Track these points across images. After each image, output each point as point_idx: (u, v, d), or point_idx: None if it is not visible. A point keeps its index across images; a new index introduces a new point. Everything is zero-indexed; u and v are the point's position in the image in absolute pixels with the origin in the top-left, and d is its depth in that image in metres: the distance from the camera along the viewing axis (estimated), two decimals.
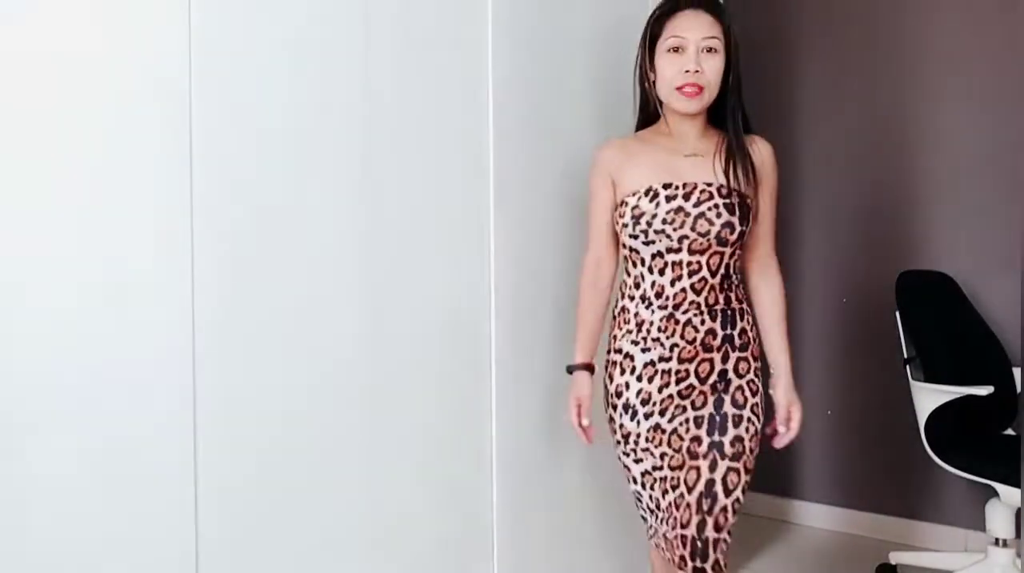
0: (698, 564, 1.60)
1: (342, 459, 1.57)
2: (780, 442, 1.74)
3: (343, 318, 1.57)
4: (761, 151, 1.71)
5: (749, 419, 1.64)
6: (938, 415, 2.40)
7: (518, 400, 1.94)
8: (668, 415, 1.65)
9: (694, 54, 1.63)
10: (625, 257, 1.73)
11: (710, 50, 1.64)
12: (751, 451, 1.64)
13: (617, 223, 1.70)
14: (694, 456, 1.62)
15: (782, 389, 1.74)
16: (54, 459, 1.19)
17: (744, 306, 1.72)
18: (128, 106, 1.26)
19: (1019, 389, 2.64)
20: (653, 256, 1.65)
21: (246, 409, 1.41)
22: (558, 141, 2.05)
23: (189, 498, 1.33)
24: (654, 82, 1.69)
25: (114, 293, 1.24)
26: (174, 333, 1.31)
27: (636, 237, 1.65)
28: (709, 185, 1.63)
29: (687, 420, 1.64)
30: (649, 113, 1.77)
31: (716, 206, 1.62)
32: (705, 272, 1.63)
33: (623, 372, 1.69)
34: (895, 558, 2.71)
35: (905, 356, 2.55)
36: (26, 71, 1.16)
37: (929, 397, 2.42)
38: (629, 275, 1.72)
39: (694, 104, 1.65)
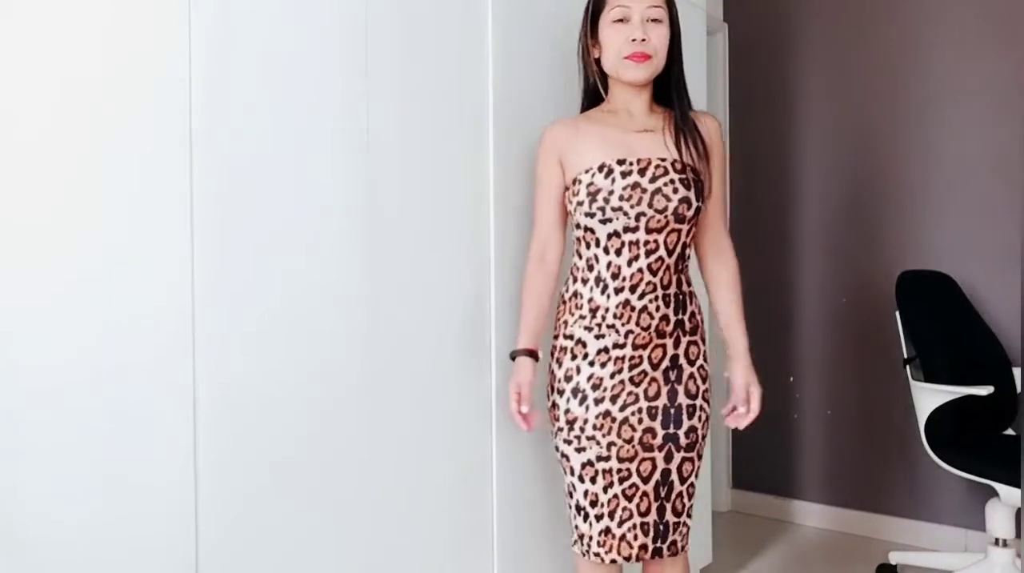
0: (657, 544, 1.64)
1: (342, 459, 1.57)
2: (740, 423, 1.70)
3: (343, 318, 1.57)
4: (708, 126, 1.70)
5: (701, 407, 1.66)
6: (938, 415, 2.41)
7: None
8: (619, 403, 1.62)
9: (639, 23, 1.61)
10: (577, 238, 1.68)
11: (654, 20, 1.62)
12: (703, 437, 1.67)
13: (570, 203, 1.66)
14: (648, 448, 1.62)
15: (740, 370, 1.70)
16: (53, 460, 1.19)
17: (692, 289, 1.69)
18: (128, 105, 1.26)
19: (1019, 389, 2.64)
20: (609, 236, 1.62)
21: (246, 410, 1.41)
22: None
23: (189, 499, 1.33)
24: (598, 58, 1.68)
25: (114, 293, 1.24)
26: (174, 333, 1.31)
27: (592, 215, 1.61)
28: (663, 160, 1.62)
29: (639, 410, 1.62)
30: (593, 93, 1.75)
31: (672, 181, 1.60)
32: (662, 251, 1.62)
33: (574, 357, 1.65)
34: (895, 558, 2.71)
35: (905, 356, 2.55)
36: (25, 72, 1.16)
37: (929, 397, 2.42)
38: (581, 258, 1.67)
39: (642, 71, 1.62)
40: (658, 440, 1.62)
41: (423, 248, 1.72)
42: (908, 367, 2.52)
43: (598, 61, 1.68)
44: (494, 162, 1.87)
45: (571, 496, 1.66)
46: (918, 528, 2.97)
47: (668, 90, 1.68)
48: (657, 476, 1.63)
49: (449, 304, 1.77)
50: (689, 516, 1.68)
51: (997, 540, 2.42)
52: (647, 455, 1.62)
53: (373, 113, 1.61)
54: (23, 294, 1.15)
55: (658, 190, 1.59)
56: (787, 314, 3.23)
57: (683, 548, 1.68)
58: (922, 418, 2.45)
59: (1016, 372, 2.64)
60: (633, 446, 1.61)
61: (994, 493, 2.38)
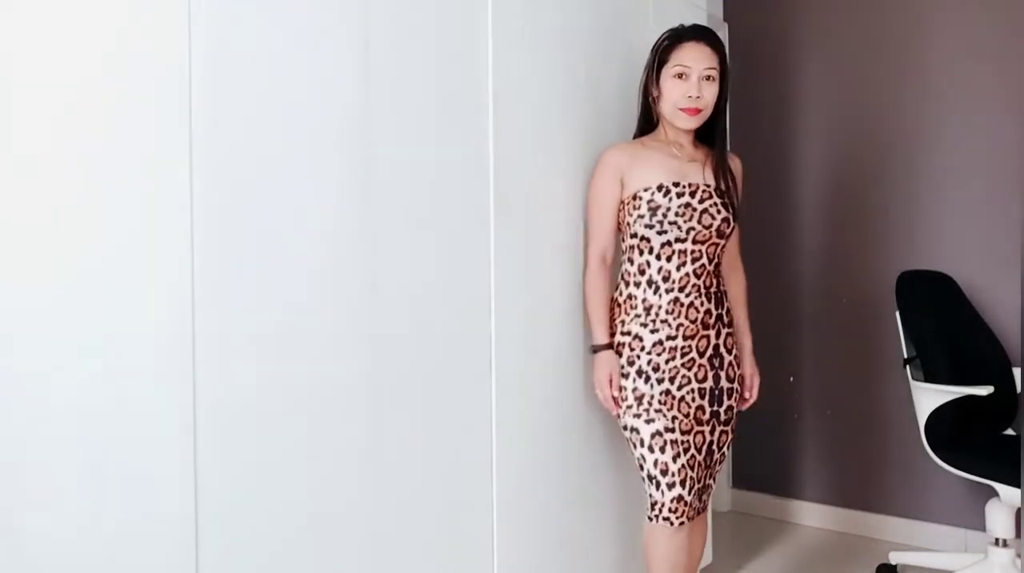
0: (702, 505, 1.99)
1: (342, 459, 1.57)
2: (742, 406, 2.08)
3: (343, 319, 1.57)
4: (736, 164, 2.04)
5: (735, 389, 2.01)
6: (938, 415, 2.40)
7: (518, 400, 1.94)
8: (676, 383, 1.91)
9: (696, 81, 1.90)
10: (631, 246, 1.97)
11: (709, 78, 1.91)
12: (737, 414, 2.04)
13: (630, 215, 1.95)
14: (699, 422, 1.93)
15: (747, 363, 2.10)
16: (53, 461, 1.18)
17: (724, 289, 2.04)
18: (128, 106, 1.26)
19: (1019, 389, 2.64)
20: (663, 245, 1.92)
21: (246, 410, 1.41)
22: (558, 142, 2.05)
23: (189, 500, 1.33)
24: (656, 98, 1.97)
25: (114, 295, 1.24)
26: (174, 334, 1.31)
27: (652, 227, 1.91)
28: (708, 186, 1.93)
29: (692, 390, 1.92)
30: (646, 123, 2.05)
31: (716, 204, 1.93)
32: (704, 260, 1.94)
33: (632, 349, 1.94)
34: (895, 558, 2.71)
35: (905, 356, 2.55)
36: (25, 72, 1.16)
37: (929, 397, 2.42)
38: (633, 263, 1.97)
39: (693, 122, 1.94)
40: (706, 416, 1.94)
41: (423, 248, 1.72)
42: (908, 367, 2.52)
43: (656, 99, 1.97)
44: (494, 161, 1.87)
45: (642, 468, 1.91)
46: (918, 528, 2.97)
47: (711, 132, 1.99)
48: (705, 447, 1.95)
49: (449, 305, 1.77)
50: (715, 479, 2.05)
51: (997, 540, 2.42)
52: (699, 429, 1.93)
53: (373, 112, 1.61)
54: (23, 295, 1.15)
55: (705, 210, 1.92)
56: (787, 314, 3.23)
57: (707, 505, 2.06)
58: (922, 418, 2.45)
59: (1016, 372, 2.64)
60: (690, 421, 1.92)
61: (994, 493, 2.38)
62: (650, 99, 1.99)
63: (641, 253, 1.94)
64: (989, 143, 2.80)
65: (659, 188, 1.90)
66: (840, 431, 3.13)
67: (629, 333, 1.94)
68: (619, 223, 2.00)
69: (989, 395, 2.31)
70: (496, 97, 1.87)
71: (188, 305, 1.32)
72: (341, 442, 1.56)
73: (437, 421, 1.75)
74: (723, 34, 3.31)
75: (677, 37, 1.95)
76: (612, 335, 1.98)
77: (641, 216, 1.91)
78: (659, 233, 1.90)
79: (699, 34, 1.94)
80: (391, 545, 1.66)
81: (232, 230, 1.39)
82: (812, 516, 3.20)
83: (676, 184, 1.90)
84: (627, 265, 1.98)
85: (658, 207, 1.89)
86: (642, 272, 1.94)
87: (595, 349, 2.00)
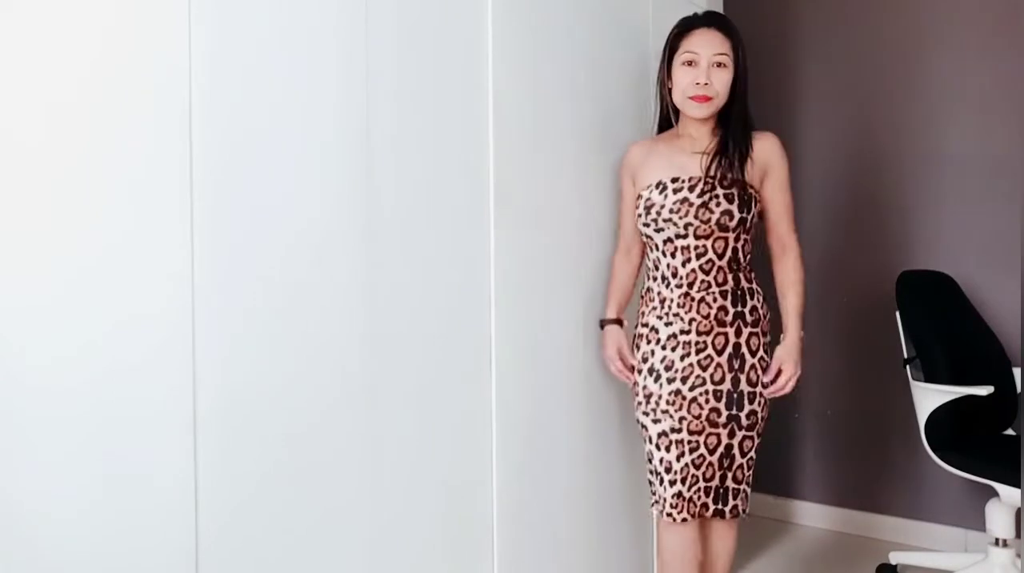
0: (719, 506, 1.92)
1: (342, 459, 1.56)
2: (767, 392, 1.94)
3: (343, 318, 1.56)
4: (765, 145, 1.93)
5: (760, 394, 1.91)
6: (938, 415, 2.40)
7: (518, 400, 1.93)
8: (689, 384, 1.88)
9: (705, 68, 1.86)
10: (645, 243, 2.01)
11: (720, 64, 1.87)
12: (763, 419, 1.94)
13: (637, 215, 1.95)
14: (713, 424, 1.88)
15: (782, 348, 1.95)
16: (53, 459, 1.18)
17: (754, 286, 1.94)
18: (128, 105, 1.26)
19: (1019, 389, 2.64)
20: (664, 242, 1.91)
21: (246, 410, 1.41)
22: (558, 141, 2.05)
23: (189, 497, 1.33)
24: (671, 89, 1.94)
25: (113, 292, 1.24)
26: (174, 332, 1.31)
27: (648, 225, 1.92)
28: (712, 178, 1.86)
29: (706, 391, 1.87)
30: (665, 117, 2.02)
31: (716, 196, 1.85)
32: (711, 255, 1.88)
33: (648, 342, 1.94)
34: (895, 558, 2.71)
35: (905, 356, 2.55)
36: (25, 71, 1.15)
37: (929, 397, 2.42)
38: (649, 259, 1.99)
39: (703, 110, 1.88)
40: (722, 419, 1.88)
41: (423, 247, 1.72)
42: (908, 367, 2.52)
43: (671, 91, 1.95)
44: (494, 160, 1.87)
45: (650, 462, 1.94)
46: (918, 528, 2.97)
47: (728, 120, 1.93)
48: (721, 449, 1.89)
49: (449, 304, 1.77)
50: (748, 484, 1.96)
51: (997, 540, 2.42)
52: (713, 430, 1.88)
53: (373, 112, 1.61)
54: (23, 294, 1.15)
55: (704, 204, 1.85)
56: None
57: (744, 511, 1.97)
58: (922, 418, 2.45)
59: (1016, 372, 2.64)
60: (701, 422, 1.88)
61: (994, 493, 2.38)
62: (666, 92, 1.97)
63: (652, 250, 1.96)
64: (989, 143, 2.80)
65: (657, 186, 1.90)
66: (840, 431, 3.13)
67: (647, 325, 1.95)
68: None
69: (989, 395, 2.31)
70: (496, 97, 1.87)
71: (188, 304, 1.32)
72: (341, 440, 1.56)
73: (437, 420, 1.75)
74: None
75: (688, 25, 1.93)
76: (636, 327, 2.00)
77: (640, 216, 1.93)
78: (656, 231, 1.91)
79: (709, 20, 1.93)
80: (391, 543, 1.66)
81: (231, 229, 1.39)
82: (812, 516, 3.20)
83: (675, 180, 1.88)
84: (647, 261, 2.01)
85: (652, 205, 1.90)
86: (656, 267, 1.95)
87: (602, 323, 2.06)
